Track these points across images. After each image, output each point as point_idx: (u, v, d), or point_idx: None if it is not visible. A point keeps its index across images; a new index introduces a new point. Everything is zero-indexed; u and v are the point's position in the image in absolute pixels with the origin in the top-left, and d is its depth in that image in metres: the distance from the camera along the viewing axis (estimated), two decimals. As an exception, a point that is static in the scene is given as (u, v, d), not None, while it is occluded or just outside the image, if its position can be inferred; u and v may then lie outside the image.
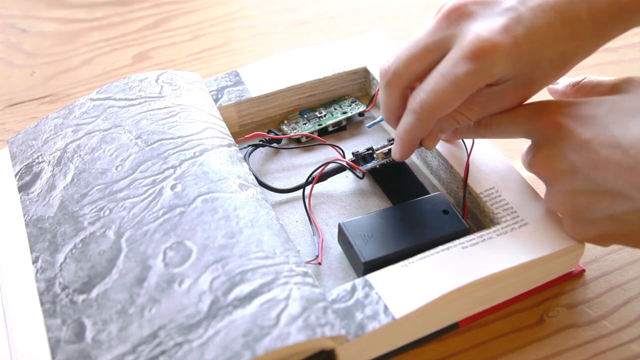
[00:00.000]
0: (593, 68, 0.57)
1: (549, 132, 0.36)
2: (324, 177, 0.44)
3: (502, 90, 0.37)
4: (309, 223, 0.43)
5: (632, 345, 0.38)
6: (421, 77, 0.38)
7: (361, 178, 0.45)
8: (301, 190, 0.44)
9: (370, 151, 0.45)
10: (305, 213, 0.43)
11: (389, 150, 0.45)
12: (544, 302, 0.40)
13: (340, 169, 0.45)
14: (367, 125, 0.48)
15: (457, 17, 0.36)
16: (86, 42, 0.62)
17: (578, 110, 0.36)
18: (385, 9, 0.66)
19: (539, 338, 0.38)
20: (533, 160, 0.37)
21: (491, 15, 0.36)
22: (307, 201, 0.43)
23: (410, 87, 0.39)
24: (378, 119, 0.47)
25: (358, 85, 0.52)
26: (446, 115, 0.38)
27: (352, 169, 0.44)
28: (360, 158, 0.45)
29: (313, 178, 0.44)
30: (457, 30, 0.36)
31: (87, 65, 0.60)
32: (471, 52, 0.35)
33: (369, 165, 0.44)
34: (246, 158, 0.46)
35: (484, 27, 0.35)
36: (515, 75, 0.36)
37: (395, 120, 0.41)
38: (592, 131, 0.35)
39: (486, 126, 0.40)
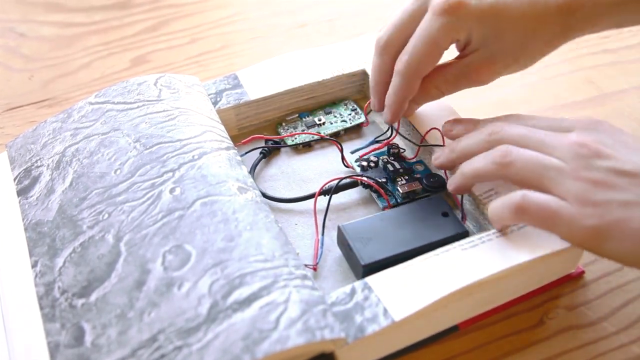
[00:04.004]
0: (593, 69, 0.57)
1: (595, 125, 0.37)
2: (337, 190, 0.44)
3: (470, 63, 0.41)
4: (307, 226, 0.43)
5: (633, 346, 0.38)
6: None
7: (382, 209, 0.44)
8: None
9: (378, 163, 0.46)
10: (306, 215, 0.43)
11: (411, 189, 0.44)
12: (543, 303, 0.40)
13: (353, 184, 0.44)
14: (350, 151, 0.47)
15: None
16: (84, 46, 0.62)
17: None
18: (384, 11, 0.66)
19: (538, 340, 0.38)
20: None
21: None
22: (315, 207, 0.43)
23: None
24: (362, 147, 0.47)
25: (356, 87, 0.52)
26: (421, 88, 0.42)
27: (378, 195, 0.44)
28: (367, 168, 0.45)
29: (327, 189, 0.43)
30: None
31: (86, 69, 0.60)
32: (441, 8, 0.39)
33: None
34: (252, 172, 0.46)
35: None
36: (480, 44, 0.40)
37: (383, 86, 0.44)
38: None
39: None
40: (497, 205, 0.37)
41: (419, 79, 0.42)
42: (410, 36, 0.41)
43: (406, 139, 0.47)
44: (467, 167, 0.39)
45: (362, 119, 0.50)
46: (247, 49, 0.62)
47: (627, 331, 0.38)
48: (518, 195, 0.35)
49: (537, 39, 0.40)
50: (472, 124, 0.41)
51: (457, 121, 0.43)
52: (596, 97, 0.55)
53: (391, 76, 0.43)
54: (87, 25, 0.65)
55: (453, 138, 0.42)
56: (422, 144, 0.45)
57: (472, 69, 0.41)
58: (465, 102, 0.48)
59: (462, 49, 0.42)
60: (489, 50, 0.40)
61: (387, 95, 0.43)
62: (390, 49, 0.42)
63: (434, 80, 0.43)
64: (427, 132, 0.45)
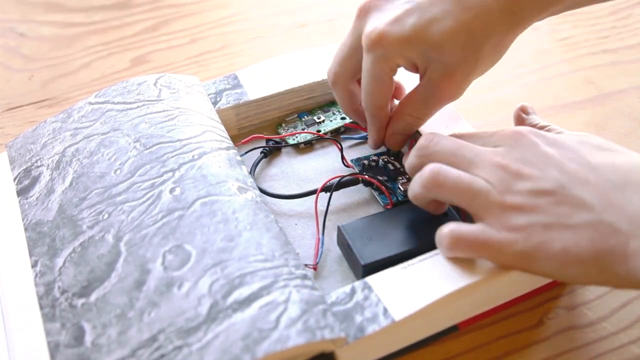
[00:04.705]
0: (593, 69, 0.57)
1: (519, 139, 0.37)
2: (339, 187, 0.44)
3: (429, 82, 0.41)
4: (307, 226, 0.43)
5: (632, 346, 0.38)
6: (358, 71, 0.43)
7: (383, 207, 0.44)
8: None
9: (378, 161, 0.46)
10: (306, 216, 0.43)
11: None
12: (543, 304, 0.40)
13: (354, 182, 0.44)
14: (343, 136, 0.49)
15: (364, 13, 0.42)
16: (84, 45, 0.62)
17: (547, 134, 0.38)
18: None
19: (538, 340, 0.38)
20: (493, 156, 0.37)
21: (389, 10, 0.40)
22: (316, 205, 0.43)
23: (358, 81, 0.44)
24: (355, 136, 0.49)
25: (356, 87, 0.52)
26: (395, 116, 0.43)
27: (380, 192, 0.44)
28: (367, 167, 0.45)
29: (329, 186, 0.43)
30: (364, 25, 0.41)
31: (86, 69, 0.60)
32: (366, 45, 0.40)
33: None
34: (252, 172, 0.46)
35: (377, 20, 0.40)
36: (427, 62, 0.40)
37: (352, 113, 0.46)
38: (561, 150, 0.36)
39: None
40: (437, 239, 0.37)
41: (382, 109, 0.43)
42: (353, 67, 0.43)
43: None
44: (409, 192, 0.39)
45: None
46: (247, 49, 0.62)
47: (626, 331, 0.39)
48: (447, 230, 0.36)
49: (489, 37, 0.39)
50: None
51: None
52: (596, 97, 0.55)
53: (354, 102, 0.45)
54: (87, 25, 0.65)
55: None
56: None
57: (434, 87, 0.41)
58: (465, 103, 0.48)
59: (416, 71, 0.41)
60: (440, 64, 0.40)
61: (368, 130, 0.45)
62: (340, 81, 0.44)
63: (405, 108, 0.43)
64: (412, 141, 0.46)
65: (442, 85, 0.40)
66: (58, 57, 0.61)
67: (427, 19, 0.39)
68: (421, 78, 0.41)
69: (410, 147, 0.46)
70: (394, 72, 0.42)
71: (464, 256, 0.36)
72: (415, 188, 0.38)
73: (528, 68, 0.58)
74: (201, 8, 0.67)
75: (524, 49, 0.59)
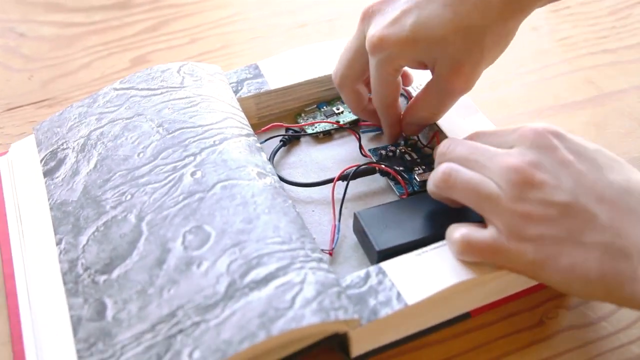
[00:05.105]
0: (592, 69, 0.57)
1: (537, 140, 0.36)
2: (355, 176, 0.45)
3: (439, 77, 0.41)
4: (324, 213, 0.44)
5: (632, 346, 0.38)
6: (363, 72, 0.44)
7: (399, 196, 0.44)
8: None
9: (395, 152, 0.46)
10: (323, 203, 0.44)
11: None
12: (543, 303, 0.40)
13: (371, 171, 0.45)
14: (361, 130, 0.49)
15: (367, 17, 0.42)
16: (84, 45, 0.62)
17: (568, 135, 0.37)
18: None
19: (538, 340, 0.38)
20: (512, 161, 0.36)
21: (389, 12, 0.41)
22: (333, 194, 0.44)
23: (365, 81, 0.46)
24: (371, 129, 0.50)
25: (375, 80, 0.53)
26: (411, 110, 0.45)
27: (396, 182, 0.44)
28: (385, 157, 0.46)
29: (345, 175, 0.44)
30: (367, 29, 0.42)
31: (86, 69, 0.59)
32: (369, 49, 0.41)
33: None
34: (271, 159, 0.47)
35: (378, 24, 0.41)
36: (433, 59, 0.41)
37: (361, 112, 0.47)
38: (580, 157, 0.35)
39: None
40: (447, 242, 0.38)
41: (392, 107, 0.45)
42: (359, 69, 0.44)
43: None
44: (428, 188, 0.40)
45: None
46: (246, 49, 0.61)
47: (626, 331, 0.38)
48: (458, 235, 0.37)
49: (485, 33, 0.39)
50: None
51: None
52: (596, 97, 0.55)
53: (361, 101, 0.46)
54: (87, 25, 0.64)
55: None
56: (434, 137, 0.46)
57: (444, 81, 0.41)
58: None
59: (424, 68, 0.42)
60: (446, 59, 0.40)
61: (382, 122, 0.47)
62: (347, 82, 0.45)
63: (419, 103, 0.44)
64: (433, 135, 0.47)
65: (451, 79, 0.41)
66: (58, 57, 0.61)
67: (426, 16, 0.39)
68: (432, 74, 0.42)
69: (430, 139, 0.47)
70: (399, 72, 0.43)
71: (474, 261, 0.37)
72: (430, 186, 0.39)
73: (528, 68, 0.58)
74: (201, 8, 0.67)
75: (524, 49, 0.59)
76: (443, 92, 0.42)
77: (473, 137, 0.40)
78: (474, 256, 0.36)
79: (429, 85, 0.43)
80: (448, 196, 0.38)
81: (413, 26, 0.40)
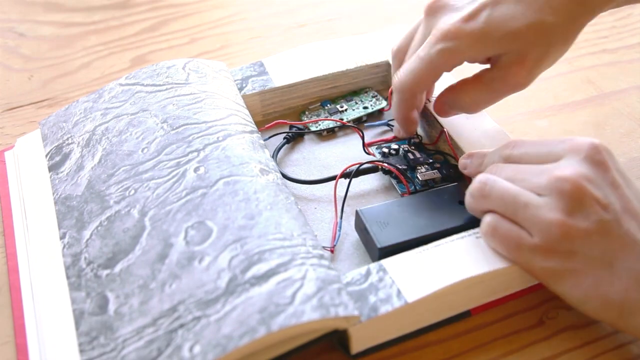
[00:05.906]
0: (592, 69, 0.57)
1: (592, 155, 0.35)
2: (358, 173, 0.45)
3: (499, 66, 0.42)
4: (326, 210, 0.44)
5: (632, 346, 0.38)
6: (434, 80, 0.45)
7: (401, 195, 0.44)
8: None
9: (399, 150, 0.47)
10: (326, 200, 0.44)
11: (431, 176, 0.45)
12: (543, 303, 0.40)
13: (374, 169, 0.45)
14: (366, 124, 0.50)
15: (434, 12, 0.43)
16: (84, 45, 0.62)
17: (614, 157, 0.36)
18: (384, 11, 0.66)
19: (538, 340, 0.38)
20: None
21: (460, 7, 0.42)
22: (335, 191, 0.44)
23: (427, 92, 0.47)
24: (376, 123, 0.50)
25: (380, 78, 0.53)
26: (453, 90, 0.44)
27: (398, 181, 0.45)
28: (388, 156, 0.46)
29: (348, 172, 0.44)
30: (434, 21, 0.43)
31: (85, 69, 0.59)
32: (441, 35, 0.41)
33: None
34: (275, 156, 0.47)
35: (450, 18, 0.41)
36: (501, 52, 0.41)
37: (404, 118, 0.45)
38: (626, 181, 0.36)
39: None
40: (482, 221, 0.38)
41: (415, 96, 0.44)
42: (428, 77, 0.43)
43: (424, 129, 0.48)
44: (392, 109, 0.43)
45: (384, 104, 0.51)
46: (246, 49, 0.61)
47: None
48: (489, 217, 0.37)
49: (554, 32, 0.40)
50: (479, 158, 0.41)
51: (469, 156, 0.42)
52: (595, 97, 0.55)
53: (410, 108, 0.45)
54: (86, 25, 0.64)
55: (468, 175, 0.42)
56: (440, 139, 0.46)
57: (504, 70, 0.41)
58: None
59: (488, 62, 0.43)
60: (514, 52, 0.41)
61: (393, 112, 0.46)
62: (400, 55, 0.46)
63: (466, 88, 0.43)
64: (439, 134, 0.47)
65: (512, 70, 0.41)
66: (57, 57, 0.61)
67: (500, 12, 0.40)
68: (492, 63, 0.42)
69: (436, 139, 0.46)
70: (454, 67, 0.43)
71: (497, 249, 0.37)
72: (467, 199, 0.39)
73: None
74: (200, 8, 0.67)
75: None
76: (497, 83, 0.42)
77: (513, 144, 0.39)
78: (496, 242, 0.37)
79: (482, 73, 0.43)
80: (483, 208, 0.38)
81: (488, 21, 0.40)
